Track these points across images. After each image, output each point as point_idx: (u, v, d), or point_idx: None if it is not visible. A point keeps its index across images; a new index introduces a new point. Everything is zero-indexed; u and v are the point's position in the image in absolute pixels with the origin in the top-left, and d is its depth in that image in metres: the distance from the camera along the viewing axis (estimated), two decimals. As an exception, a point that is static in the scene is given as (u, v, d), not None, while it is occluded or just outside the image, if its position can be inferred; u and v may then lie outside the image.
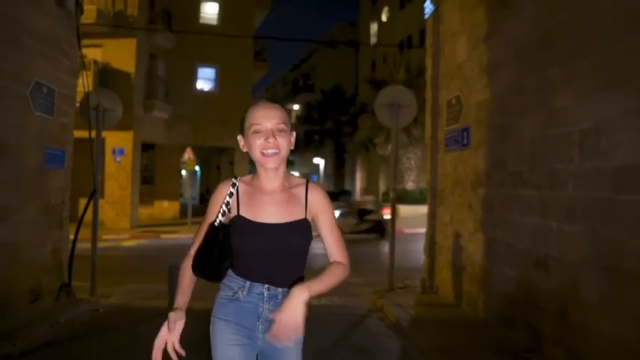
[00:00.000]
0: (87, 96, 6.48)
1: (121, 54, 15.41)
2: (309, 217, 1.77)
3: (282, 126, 1.70)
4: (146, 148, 17.85)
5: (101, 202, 7.84)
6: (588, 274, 3.32)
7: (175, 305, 1.69)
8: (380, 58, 26.81)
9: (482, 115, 4.99)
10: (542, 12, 3.96)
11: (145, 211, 17.63)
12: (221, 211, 1.74)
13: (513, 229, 4.33)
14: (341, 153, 28.34)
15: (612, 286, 3.10)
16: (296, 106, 37.65)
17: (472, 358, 3.90)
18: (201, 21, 18.65)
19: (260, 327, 1.74)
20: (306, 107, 30.14)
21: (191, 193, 17.48)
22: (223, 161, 23.21)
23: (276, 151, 1.69)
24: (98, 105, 6.48)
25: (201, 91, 19.07)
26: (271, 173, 1.76)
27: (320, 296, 2.62)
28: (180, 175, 20.23)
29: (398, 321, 4.97)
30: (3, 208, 4.70)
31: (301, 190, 1.79)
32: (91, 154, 6.40)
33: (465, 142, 5.37)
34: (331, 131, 26.99)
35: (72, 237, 5.98)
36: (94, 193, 6.37)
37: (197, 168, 19.13)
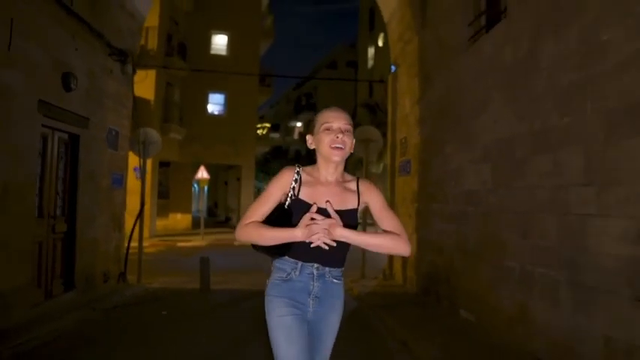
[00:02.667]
0: (137, 133, 9.00)
1: (142, 83, 18.02)
2: (360, 207, 2.04)
3: (349, 127, 1.99)
4: (162, 165, 20.39)
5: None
6: (457, 254, 5.75)
7: (288, 231, 1.92)
8: (377, 80, 29.38)
9: (416, 153, 7.47)
10: (443, 91, 6.45)
11: (160, 223, 20.11)
12: (290, 195, 1.98)
13: (430, 230, 6.77)
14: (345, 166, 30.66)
15: (465, 260, 5.53)
16: (299, 124, 40.35)
17: (398, 309, 6.30)
18: (212, 52, 21.35)
19: (311, 302, 2.00)
20: (308, 125, 32.61)
21: (201, 206, 20.00)
22: (231, 177, 25.75)
23: (342, 146, 1.96)
24: (144, 140, 9.01)
25: (212, 115, 21.73)
26: (331, 168, 2.01)
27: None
28: (192, 190, 22.76)
29: (359, 294, 7.40)
30: (91, 216, 7.21)
31: (353, 184, 2.05)
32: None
33: (408, 170, 7.85)
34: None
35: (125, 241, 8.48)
36: (142, 208, 8.86)
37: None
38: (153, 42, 18.51)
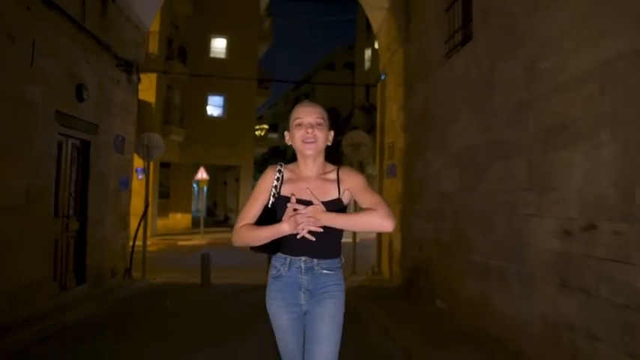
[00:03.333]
0: (141, 138, 9.62)
1: (143, 87, 18.64)
2: (343, 197, 2.04)
3: (320, 120, 2.03)
4: (162, 166, 21.02)
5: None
6: (434, 250, 6.39)
7: (276, 227, 1.97)
8: (374, 82, 29.98)
9: (401, 157, 8.10)
10: (423, 101, 7.08)
11: (161, 222, 20.75)
12: (272, 194, 2.05)
13: (412, 228, 7.40)
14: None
15: (441, 255, 6.17)
16: (297, 124, 40.82)
17: (383, 300, 6.93)
18: (212, 55, 21.99)
19: (302, 296, 2.06)
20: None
21: (200, 206, 20.62)
22: (229, 178, 26.38)
23: (314, 140, 2.00)
24: (148, 144, 9.64)
25: (211, 117, 22.38)
26: (309, 162, 2.07)
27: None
28: (192, 190, 23.39)
29: (349, 288, 7.99)
30: (101, 215, 7.84)
31: (333, 174, 2.08)
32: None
33: (394, 172, 8.48)
34: (328, 149, 30.06)
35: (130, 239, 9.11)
36: (147, 208, 9.49)
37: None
38: (154, 46, 19.12)
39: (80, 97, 6.82)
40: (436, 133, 6.45)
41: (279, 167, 2.11)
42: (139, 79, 9.48)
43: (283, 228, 1.94)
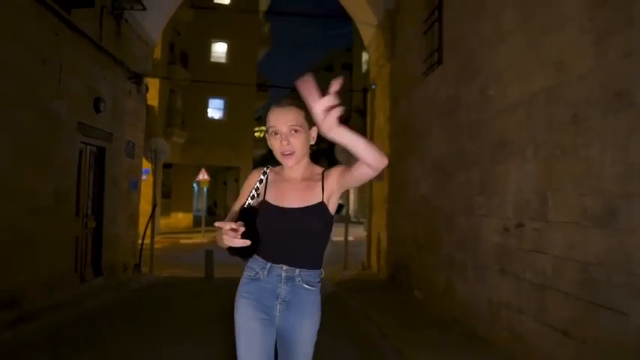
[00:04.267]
0: (149, 143, 10.48)
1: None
2: (327, 200, 1.94)
3: (296, 126, 1.89)
4: (164, 167, 21.87)
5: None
6: (413, 246, 7.26)
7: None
8: (370, 85, 30.83)
9: (389, 160, 8.95)
10: (405, 114, 7.94)
11: (163, 221, 21.61)
12: (251, 195, 2.01)
13: (396, 227, 8.27)
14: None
15: (419, 252, 7.04)
16: (296, 125, 41.69)
17: (368, 291, 7.80)
18: (212, 59, 22.86)
19: (278, 307, 1.94)
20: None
21: (201, 206, 21.48)
22: (229, 178, 27.25)
23: (292, 151, 1.91)
24: (155, 149, 10.50)
25: (212, 119, 23.26)
26: (294, 166, 1.99)
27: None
28: (193, 190, 24.26)
29: (339, 281, 8.91)
30: (114, 215, 8.71)
31: (319, 177, 1.99)
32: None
33: (382, 176, 9.35)
34: (325, 151, 31.02)
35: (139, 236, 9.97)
36: (154, 209, 10.35)
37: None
38: (157, 52, 19.87)
39: (97, 109, 7.68)
40: (415, 143, 7.32)
41: (264, 169, 2.08)
42: (147, 89, 10.34)
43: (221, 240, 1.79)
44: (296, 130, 1.90)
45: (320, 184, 1.97)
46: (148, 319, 6.01)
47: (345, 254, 10.37)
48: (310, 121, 1.89)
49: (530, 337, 3.81)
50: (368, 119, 10.70)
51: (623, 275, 2.81)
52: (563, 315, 3.40)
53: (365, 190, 11.37)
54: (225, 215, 2.05)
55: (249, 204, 2.00)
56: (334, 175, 1.94)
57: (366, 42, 10.57)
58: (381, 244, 9.21)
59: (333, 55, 39.09)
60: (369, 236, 10.32)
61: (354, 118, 30.05)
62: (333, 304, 7.01)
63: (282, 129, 1.90)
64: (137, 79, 9.46)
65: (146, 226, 10.06)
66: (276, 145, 1.93)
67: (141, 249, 9.91)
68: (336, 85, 1.46)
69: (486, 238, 4.71)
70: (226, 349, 4.50)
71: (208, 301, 7.21)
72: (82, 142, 7.38)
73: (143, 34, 9.59)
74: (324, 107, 1.47)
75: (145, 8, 8.28)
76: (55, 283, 6.52)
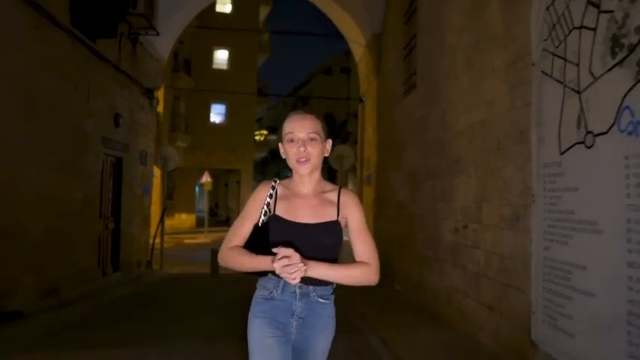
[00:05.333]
0: (160, 151, 11.61)
1: (152, 98, 20.68)
2: (340, 220, 1.97)
3: (314, 135, 1.93)
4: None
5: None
6: (395, 245, 8.38)
7: (265, 261, 1.84)
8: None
9: (375, 170, 10.09)
10: (387, 128, 9.06)
11: (167, 222, 22.71)
12: (263, 211, 1.98)
13: (381, 228, 9.39)
14: (333, 172, 33.38)
15: (399, 250, 8.15)
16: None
17: (357, 288, 8.92)
18: (214, 66, 24.00)
19: (294, 323, 1.95)
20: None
21: (203, 207, 22.61)
22: (231, 180, 28.41)
23: (308, 159, 1.92)
24: (165, 156, 11.64)
25: (214, 124, 24.42)
26: (306, 179, 1.99)
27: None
28: (195, 192, 25.41)
29: (331, 277, 10.03)
30: (130, 217, 9.84)
31: (334, 195, 2.00)
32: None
33: (370, 181, 10.48)
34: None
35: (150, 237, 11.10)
36: (164, 211, 11.48)
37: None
38: (161, 59, 21.06)
39: (117, 124, 8.81)
40: (395, 155, 8.44)
41: (272, 183, 2.04)
42: (157, 102, 11.47)
43: (274, 266, 1.79)
44: (313, 139, 1.94)
45: (336, 205, 1.99)
46: (164, 305, 7.16)
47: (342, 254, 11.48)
48: (326, 132, 2.00)
49: (471, 313, 4.93)
50: (359, 129, 11.83)
51: (522, 264, 3.92)
52: (489, 295, 4.52)
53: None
54: (227, 217, 2.33)
55: (263, 221, 1.98)
56: (350, 217, 2.01)
57: (356, 59, 11.70)
58: (369, 243, 10.33)
59: (331, 58, 40.16)
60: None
61: (351, 121, 31.13)
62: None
63: (300, 135, 1.93)
64: (149, 93, 10.59)
65: (157, 227, 11.20)
66: (291, 152, 1.95)
67: (152, 248, 11.04)
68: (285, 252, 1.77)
69: (444, 237, 5.83)
70: (233, 324, 5.64)
71: (214, 293, 8.33)
72: (104, 154, 8.51)
73: (155, 53, 10.71)
74: (284, 267, 1.75)
75: (158, 34, 9.41)
76: (82, 276, 7.65)
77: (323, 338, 2.01)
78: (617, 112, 2.78)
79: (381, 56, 9.80)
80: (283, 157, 2.02)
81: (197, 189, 26.03)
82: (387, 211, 9.06)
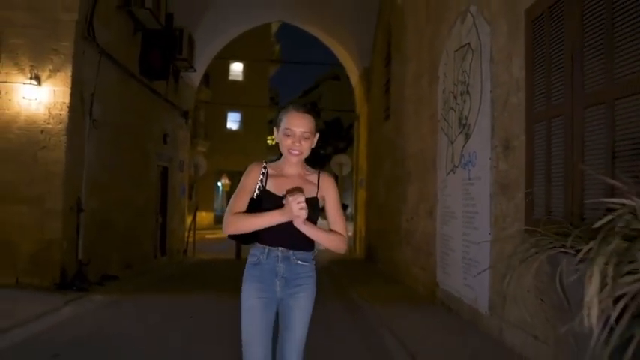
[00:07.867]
0: (193, 160, 14.58)
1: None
2: (319, 197, 2.40)
3: (308, 135, 2.33)
4: (189, 172, 26.10)
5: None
6: (379, 235, 11.25)
7: (272, 215, 2.25)
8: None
9: (366, 176, 12.96)
10: (374, 144, 11.92)
11: (189, 219, 25.79)
12: (257, 186, 2.36)
13: (371, 222, 12.26)
14: (335, 177, 36.11)
15: (382, 238, 11.03)
16: (305, 129, 45.63)
17: (347, 266, 11.79)
18: (230, 77, 26.99)
19: (277, 282, 2.36)
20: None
21: (220, 206, 25.61)
22: (244, 181, 31.31)
23: (300, 152, 2.34)
24: (196, 164, 14.62)
25: (230, 130, 27.45)
26: (293, 164, 2.40)
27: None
28: (216, 192, 28.47)
29: (333, 259, 12.94)
30: (172, 214, 12.84)
31: (314, 177, 2.44)
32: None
33: (363, 185, 13.36)
34: (330, 156, 35.03)
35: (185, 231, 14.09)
36: (195, 211, 14.46)
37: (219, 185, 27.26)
38: (183, 73, 24.06)
39: (165, 142, 11.80)
40: (379, 165, 11.31)
41: (263, 164, 2.42)
42: (190, 120, 14.45)
43: (279, 217, 2.21)
44: (307, 138, 2.34)
45: (316, 184, 2.42)
46: (202, 277, 10.13)
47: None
48: (317, 128, 2.41)
49: (413, 274, 7.81)
50: (355, 140, 14.72)
51: (432, 238, 6.79)
52: (422, 260, 7.39)
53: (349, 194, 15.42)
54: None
55: (257, 195, 2.35)
56: (327, 196, 2.42)
57: (353, 83, 14.60)
58: (362, 234, 13.22)
59: (339, 67, 42.89)
60: (354, 230, 14.36)
61: (356, 126, 33.74)
62: (324, 273, 11.08)
63: (296, 133, 2.31)
64: (185, 115, 13.56)
65: (191, 223, 14.19)
66: (286, 143, 2.33)
67: (187, 239, 14.04)
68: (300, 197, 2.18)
69: (402, 226, 8.71)
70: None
71: (237, 270, 11.26)
72: (157, 165, 11.50)
73: (190, 82, 13.69)
74: (299, 204, 2.15)
75: (195, 70, 12.38)
76: (144, 257, 10.65)
77: (303, 295, 2.38)
78: (460, 156, 5.65)
79: (370, 86, 12.67)
80: (276, 140, 2.42)
81: (219, 189, 29.01)
82: (373, 209, 11.93)
